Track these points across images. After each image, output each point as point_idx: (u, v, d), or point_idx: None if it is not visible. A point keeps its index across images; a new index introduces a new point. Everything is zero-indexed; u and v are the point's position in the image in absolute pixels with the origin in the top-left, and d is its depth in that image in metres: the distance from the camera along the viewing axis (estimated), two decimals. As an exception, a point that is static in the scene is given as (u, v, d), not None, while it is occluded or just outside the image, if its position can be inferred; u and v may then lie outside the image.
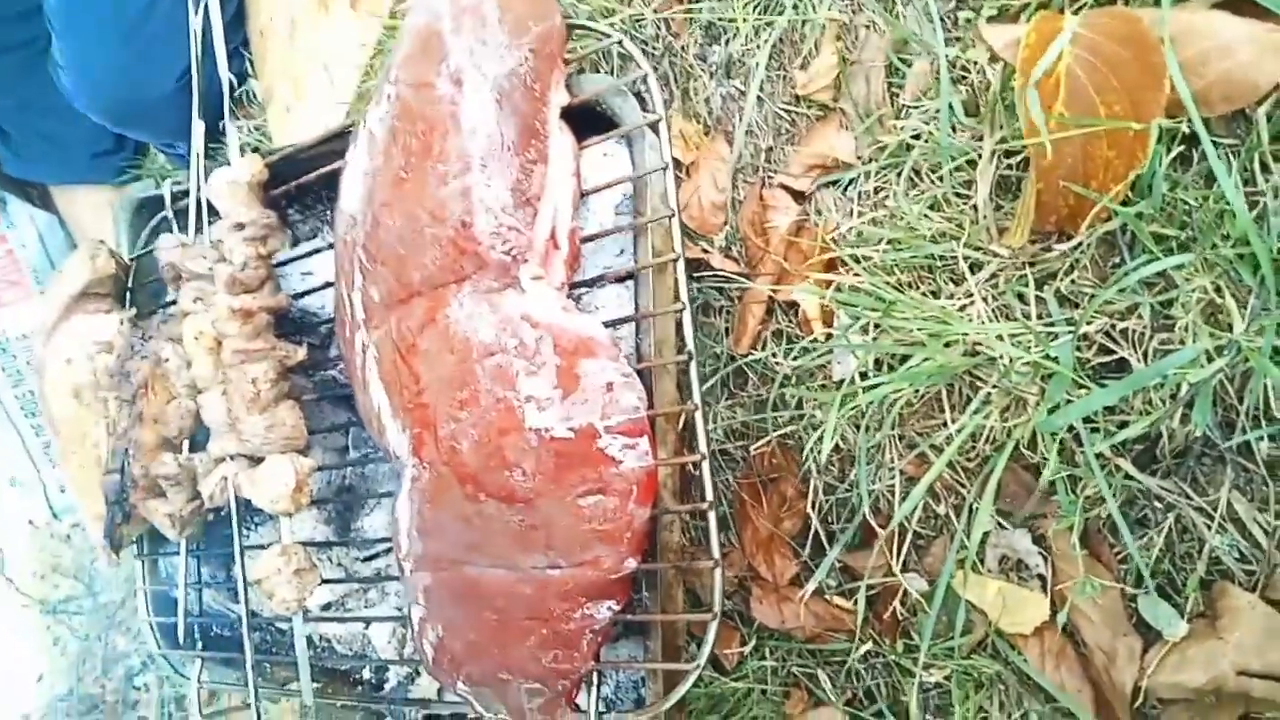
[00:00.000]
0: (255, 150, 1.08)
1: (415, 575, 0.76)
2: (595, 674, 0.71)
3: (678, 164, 0.92)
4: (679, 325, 0.73)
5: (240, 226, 0.87)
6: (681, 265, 0.67)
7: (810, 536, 0.87)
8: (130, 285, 1.08)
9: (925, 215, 0.72)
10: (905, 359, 0.73)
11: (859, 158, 0.81)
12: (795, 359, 0.80)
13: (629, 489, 0.67)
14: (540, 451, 0.67)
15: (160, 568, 1.18)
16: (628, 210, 0.77)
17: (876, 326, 0.74)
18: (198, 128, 0.95)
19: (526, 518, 0.68)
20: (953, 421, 0.71)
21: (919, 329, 0.70)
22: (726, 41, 0.91)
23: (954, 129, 0.71)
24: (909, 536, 0.78)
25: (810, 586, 0.79)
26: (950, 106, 0.69)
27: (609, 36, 0.72)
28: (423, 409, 0.71)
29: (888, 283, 0.73)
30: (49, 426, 1.03)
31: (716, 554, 0.65)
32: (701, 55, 0.94)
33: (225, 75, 0.97)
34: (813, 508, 0.87)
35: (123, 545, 1.00)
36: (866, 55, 0.79)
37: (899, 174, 0.76)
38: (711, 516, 0.66)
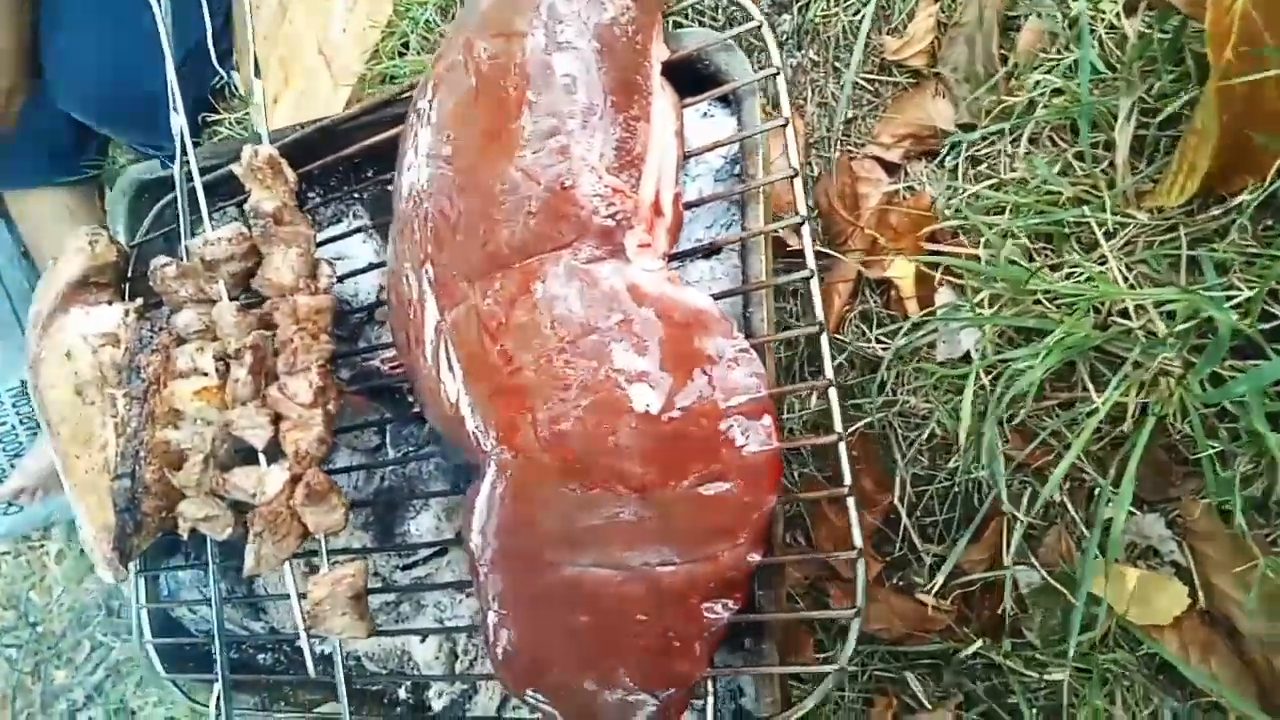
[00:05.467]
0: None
1: (491, 577, 0.69)
2: (710, 681, 0.65)
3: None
4: (792, 296, 0.68)
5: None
6: (808, 229, 0.61)
7: (901, 533, 0.82)
8: (130, 274, 0.98)
9: (1052, 180, 0.67)
10: (1029, 335, 0.68)
11: (958, 125, 0.77)
12: (904, 337, 0.75)
13: (753, 475, 0.61)
14: (653, 435, 0.61)
15: (161, 584, 1.08)
16: (726, 178, 0.71)
17: (996, 299, 0.69)
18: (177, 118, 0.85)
19: (639, 510, 0.62)
20: (1092, 399, 0.66)
21: (1052, 300, 0.65)
22: (801, 10, 0.86)
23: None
24: (1020, 527, 0.73)
25: (939, 581, 0.73)
26: (1089, 61, 0.64)
27: (716, -15, 0.66)
28: (516, 392, 0.64)
29: (1012, 252, 0.68)
30: (44, 427, 0.92)
31: (859, 542, 0.59)
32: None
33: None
34: (900, 501, 0.82)
35: (132, 556, 0.90)
36: (969, 16, 0.75)
37: (1014, 139, 0.71)
38: (850, 503, 0.60)
